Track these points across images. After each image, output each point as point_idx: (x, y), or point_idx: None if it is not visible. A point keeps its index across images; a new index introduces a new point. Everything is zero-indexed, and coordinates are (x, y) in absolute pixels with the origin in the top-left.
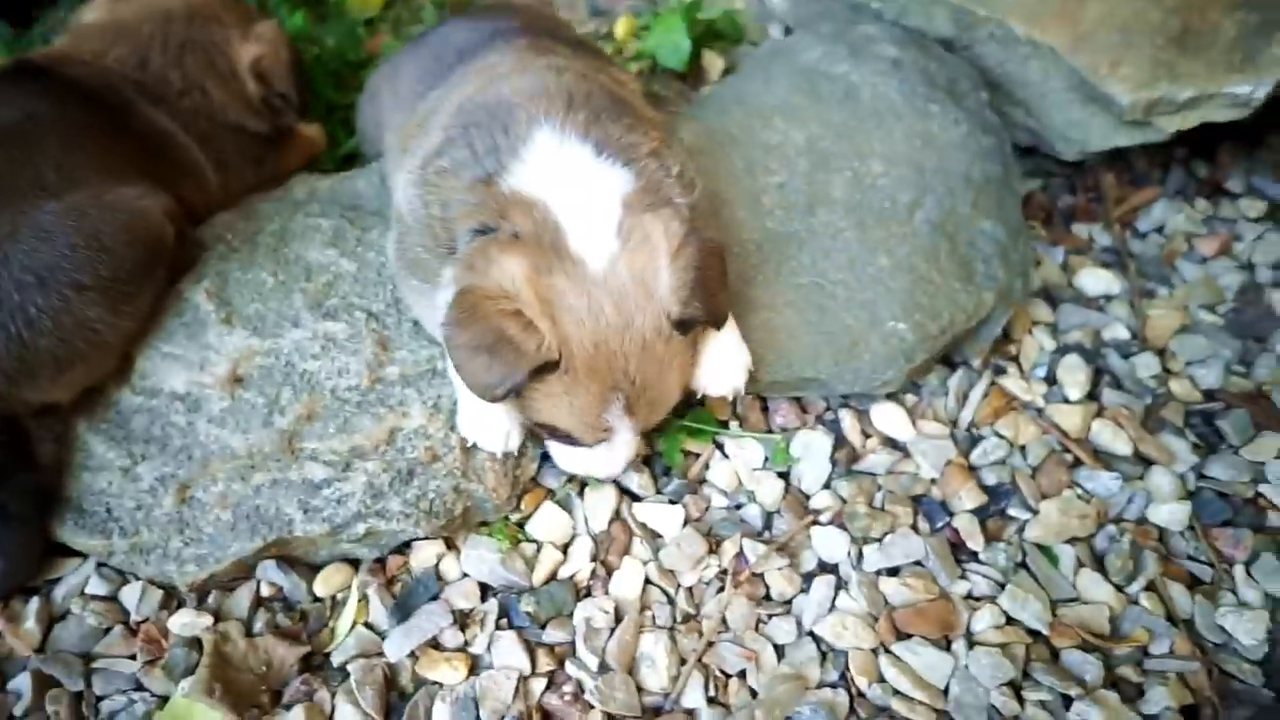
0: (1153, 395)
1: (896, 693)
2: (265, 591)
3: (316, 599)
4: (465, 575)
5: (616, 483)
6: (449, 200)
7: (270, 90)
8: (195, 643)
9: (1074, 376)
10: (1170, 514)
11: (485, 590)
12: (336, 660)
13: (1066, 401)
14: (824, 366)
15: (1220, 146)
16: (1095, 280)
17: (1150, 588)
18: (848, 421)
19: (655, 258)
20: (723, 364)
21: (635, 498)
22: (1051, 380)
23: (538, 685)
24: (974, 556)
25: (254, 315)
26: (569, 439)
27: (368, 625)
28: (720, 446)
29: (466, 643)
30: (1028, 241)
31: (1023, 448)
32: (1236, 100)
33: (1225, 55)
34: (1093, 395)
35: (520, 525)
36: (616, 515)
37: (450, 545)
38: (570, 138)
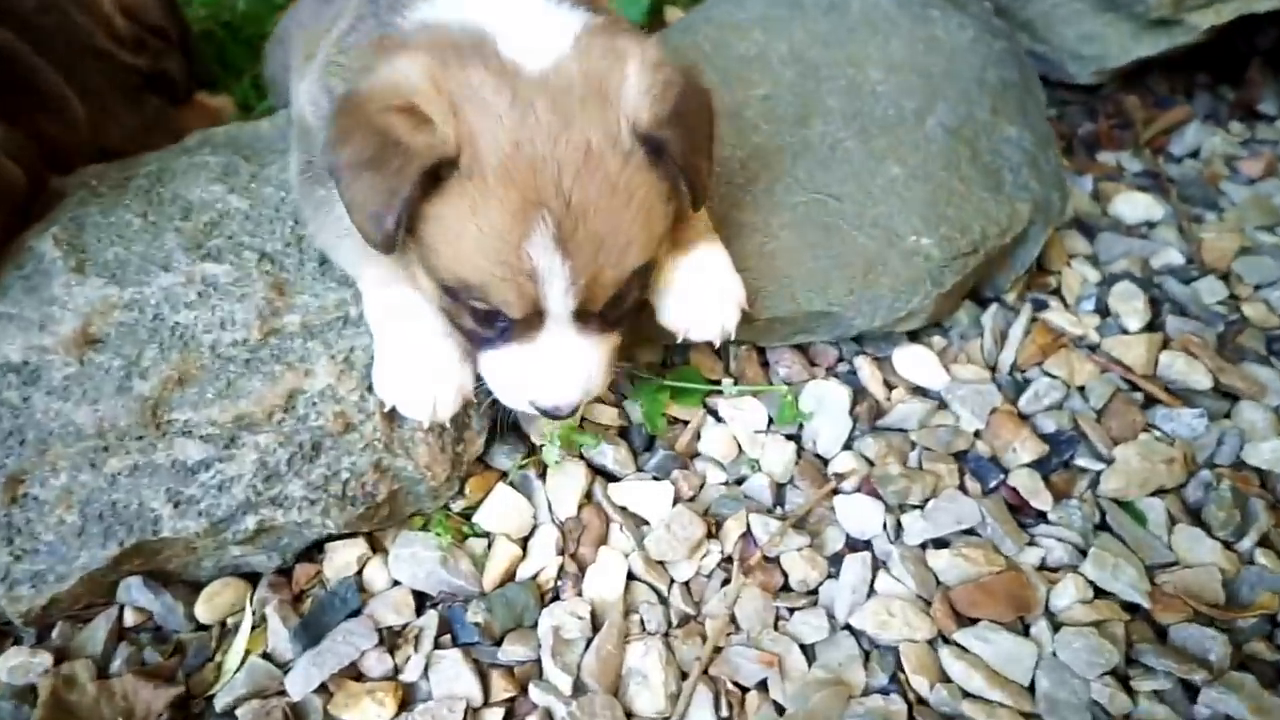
0: (1224, 322)
1: (966, 694)
2: (130, 619)
3: (199, 626)
4: (395, 583)
5: (587, 460)
6: (355, 70)
7: (141, 24)
8: (29, 693)
9: (1130, 305)
10: (1273, 453)
11: (421, 600)
12: (221, 703)
13: (1125, 333)
14: (836, 296)
15: (1249, 66)
16: (1133, 207)
17: (1265, 542)
18: (866, 369)
19: (621, 64)
20: (709, 298)
21: (611, 477)
22: (1104, 312)
23: (493, 718)
24: (1041, 518)
25: (113, 261)
26: (485, 314)
27: (265, 656)
28: (713, 411)
29: (397, 668)
30: (1058, 153)
31: (1081, 389)
32: None
33: None
34: (1153, 326)
35: (465, 516)
36: (588, 498)
37: (375, 546)
38: None
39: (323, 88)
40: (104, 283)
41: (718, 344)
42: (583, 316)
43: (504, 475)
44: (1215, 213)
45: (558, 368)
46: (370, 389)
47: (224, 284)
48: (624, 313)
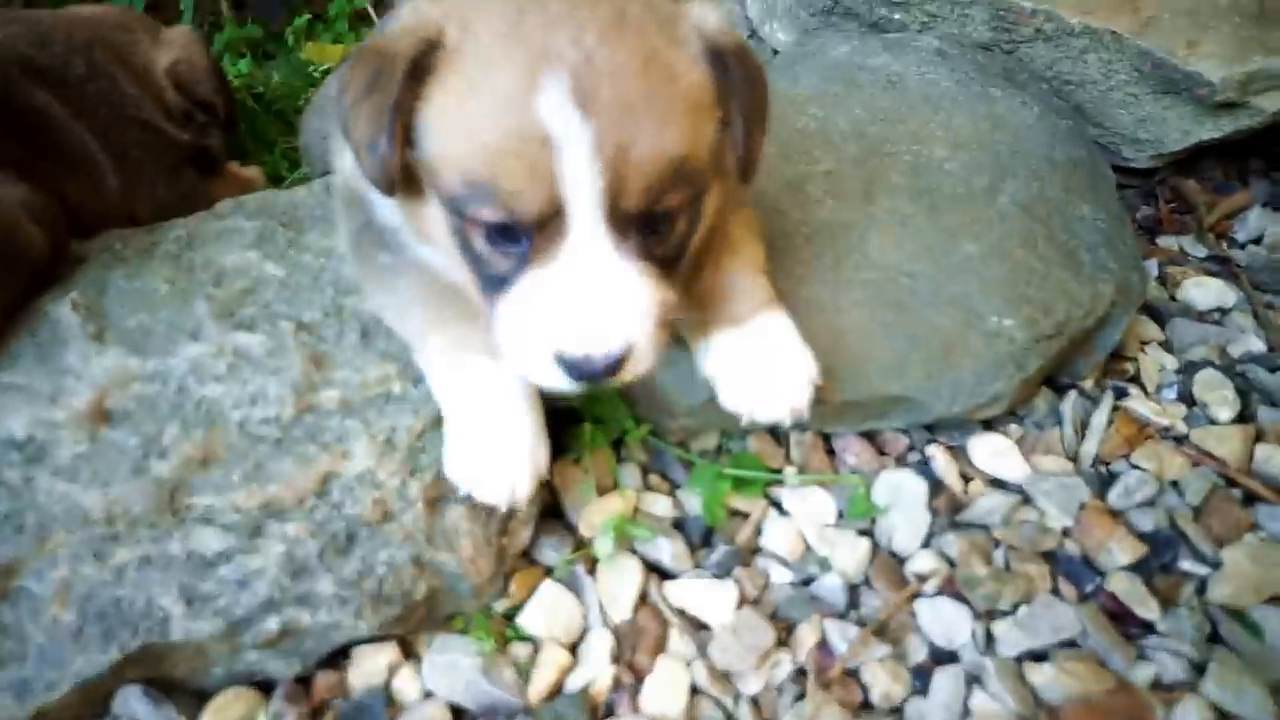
0: None
1: None
2: None
3: None
4: (429, 694)
5: (641, 556)
6: None
7: (191, 98)
8: None
9: (1219, 394)
10: None
11: (459, 715)
12: None
13: (1214, 424)
14: (913, 380)
15: None
16: (1204, 292)
17: None
18: (940, 459)
19: (673, 24)
20: (776, 375)
21: (667, 575)
22: (1189, 401)
23: None
24: (1148, 628)
25: (136, 329)
26: (500, 229)
27: None
28: (775, 502)
29: None
30: (1133, 233)
31: (1175, 483)
32: None
33: None
34: (1243, 416)
35: (508, 617)
36: (643, 598)
37: (407, 651)
38: None
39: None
40: (125, 352)
41: (788, 425)
42: (619, 223)
43: (550, 571)
44: None
45: (588, 292)
46: (413, 472)
47: (257, 355)
48: (672, 245)
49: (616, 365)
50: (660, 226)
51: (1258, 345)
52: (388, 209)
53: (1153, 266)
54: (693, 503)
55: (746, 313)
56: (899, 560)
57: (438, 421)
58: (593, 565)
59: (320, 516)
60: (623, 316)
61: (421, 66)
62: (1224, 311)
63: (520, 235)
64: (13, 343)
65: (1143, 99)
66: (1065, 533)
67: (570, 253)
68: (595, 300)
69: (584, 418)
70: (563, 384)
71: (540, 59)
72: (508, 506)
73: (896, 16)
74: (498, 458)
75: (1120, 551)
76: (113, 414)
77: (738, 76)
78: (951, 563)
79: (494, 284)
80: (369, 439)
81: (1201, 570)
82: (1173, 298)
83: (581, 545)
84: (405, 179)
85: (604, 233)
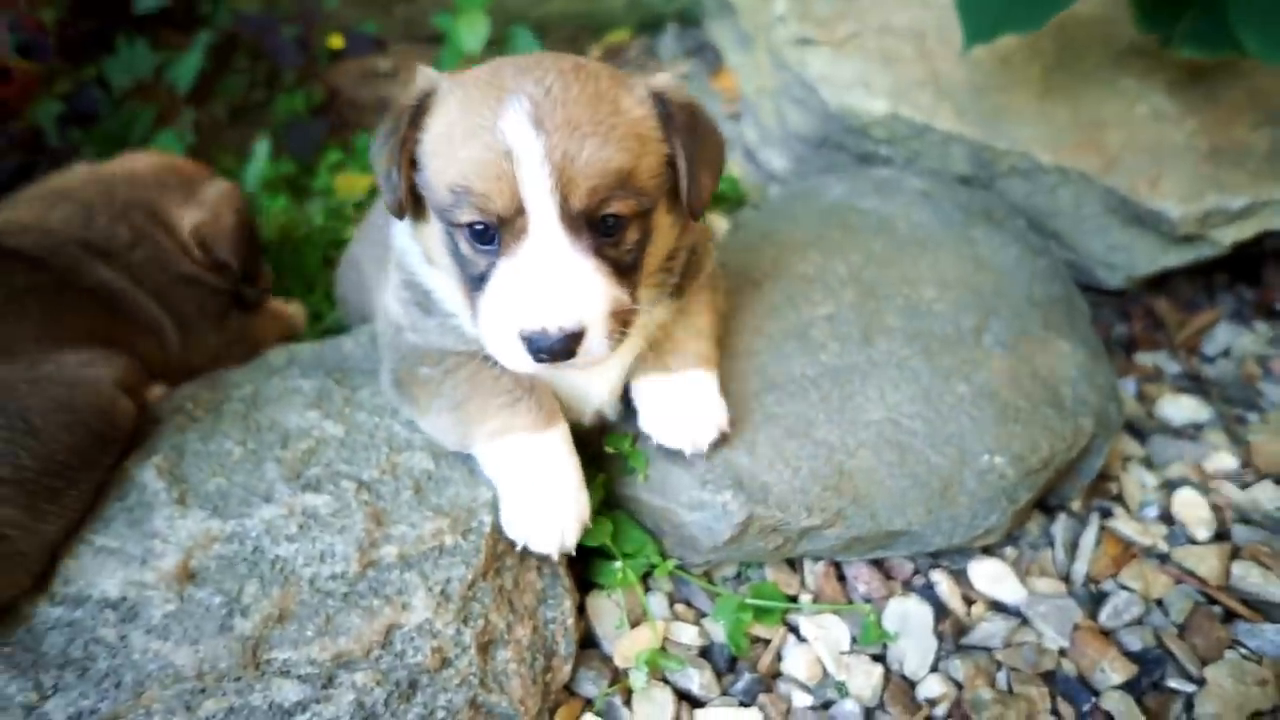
0: None
1: None
2: None
3: None
4: None
5: (673, 685)
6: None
7: (211, 258)
8: None
9: (1196, 514)
10: None
11: None
12: None
13: (1193, 543)
14: (915, 516)
15: (1263, 268)
16: (1179, 409)
17: None
18: (944, 585)
19: (625, 78)
20: (689, 415)
21: (697, 702)
22: (1168, 519)
23: None
24: None
25: (215, 492)
26: (480, 232)
27: None
28: (794, 628)
29: None
30: (1109, 364)
31: (1159, 602)
32: None
33: (1267, 165)
34: (1220, 534)
35: None
36: None
37: None
38: None
39: (401, 283)
40: (206, 515)
41: (687, 454)
42: (570, 221)
43: (590, 704)
44: (1257, 413)
45: (544, 277)
46: (466, 620)
47: (324, 515)
48: (624, 251)
49: (571, 341)
50: (612, 231)
51: (1230, 462)
52: (417, 260)
53: (1131, 384)
54: (717, 630)
55: (679, 365)
56: (910, 684)
57: (486, 571)
58: (628, 695)
59: (385, 665)
60: (574, 298)
61: (421, 110)
62: (1198, 427)
63: (493, 235)
64: (103, 506)
65: (1112, 229)
66: (1062, 653)
67: (530, 245)
68: (550, 283)
69: (615, 555)
70: (528, 364)
71: (509, 92)
72: (559, 553)
73: (883, 151)
74: (547, 513)
75: (1112, 671)
76: (197, 574)
77: (680, 120)
78: (959, 685)
79: (477, 283)
80: (425, 591)
81: (1188, 688)
82: (1150, 414)
83: (617, 676)
84: (415, 209)
85: (558, 229)
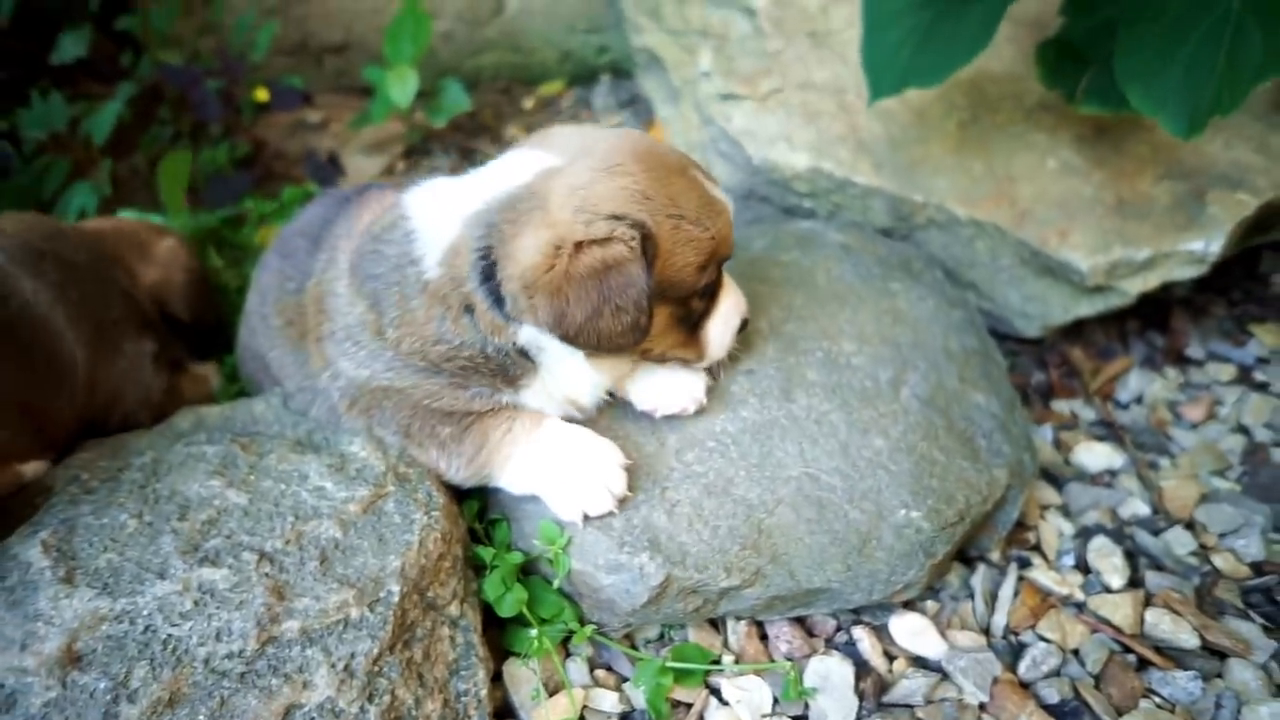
0: (1199, 574)
1: None
2: None
3: None
4: None
5: None
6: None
7: (164, 313)
8: None
9: (1109, 561)
10: (1271, 716)
11: None
12: None
13: (1109, 591)
14: (834, 573)
15: (1171, 315)
16: (1093, 456)
17: None
18: (865, 641)
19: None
20: (677, 386)
21: None
22: (1084, 568)
23: None
24: None
25: (105, 569)
26: (712, 280)
27: None
28: (715, 690)
29: None
30: (1023, 413)
31: (1076, 651)
32: (1193, 256)
33: (1169, 218)
34: (1134, 581)
35: None
36: None
37: None
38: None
39: (396, 358)
40: (95, 593)
41: (691, 411)
42: None
43: None
44: (1168, 458)
45: (737, 291)
46: (371, 698)
47: (221, 590)
48: None
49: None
50: None
51: (1143, 508)
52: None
53: (1048, 432)
54: (639, 696)
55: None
56: None
57: (394, 644)
58: None
59: None
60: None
61: (649, 254)
62: (1113, 474)
63: (714, 279)
64: None
65: (1027, 279)
66: (982, 707)
67: (726, 279)
68: (739, 294)
69: (531, 622)
70: (730, 342)
71: (683, 172)
72: (616, 507)
73: (806, 204)
74: (587, 478)
75: None
76: (82, 657)
77: None
78: None
79: (695, 324)
80: (329, 668)
81: None
82: (1067, 461)
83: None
84: None
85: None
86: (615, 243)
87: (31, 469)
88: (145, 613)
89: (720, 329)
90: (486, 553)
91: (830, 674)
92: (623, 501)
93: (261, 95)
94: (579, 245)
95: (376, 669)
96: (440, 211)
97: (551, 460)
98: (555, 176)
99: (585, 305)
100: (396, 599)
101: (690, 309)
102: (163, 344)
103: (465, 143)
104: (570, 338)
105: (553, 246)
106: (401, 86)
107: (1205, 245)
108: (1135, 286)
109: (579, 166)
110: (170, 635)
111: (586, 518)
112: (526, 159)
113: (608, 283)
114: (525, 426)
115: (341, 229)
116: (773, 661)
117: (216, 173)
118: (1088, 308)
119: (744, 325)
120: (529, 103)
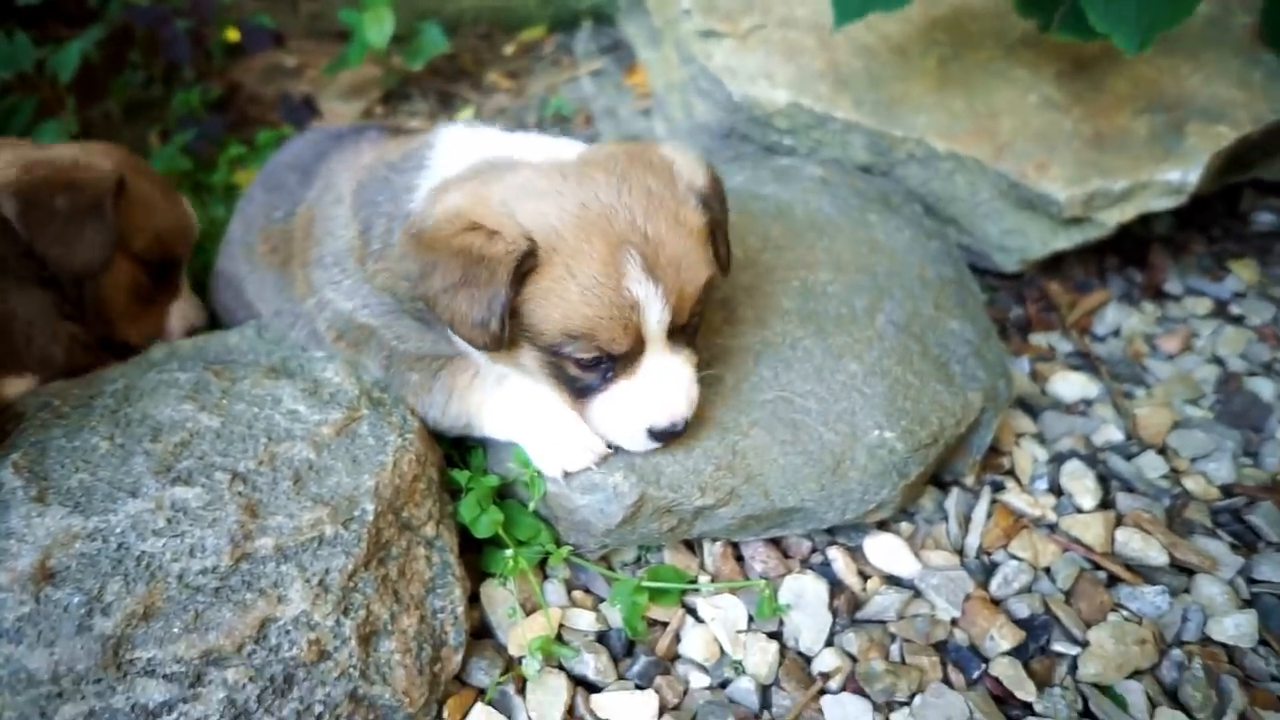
0: (1170, 497)
1: None
2: None
3: None
4: None
5: (568, 671)
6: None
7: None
8: None
9: (1082, 484)
10: (1236, 628)
11: None
12: None
13: (1080, 511)
14: (807, 492)
15: (1150, 252)
16: (1069, 386)
17: None
18: (840, 561)
19: (656, 147)
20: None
21: (593, 687)
22: (1057, 491)
23: None
24: (1028, 709)
25: (77, 488)
26: (589, 362)
27: None
28: (691, 610)
29: None
30: (998, 341)
31: (1047, 569)
32: (1170, 187)
33: (1147, 149)
34: (1105, 503)
35: None
36: (570, 712)
37: None
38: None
39: (372, 293)
40: (67, 512)
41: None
42: (672, 335)
43: (482, 693)
44: (1144, 388)
45: (666, 386)
46: (346, 611)
47: (194, 508)
48: (696, 329)
49: (686, 422)
50: (693, 318)
51: (1116, 435)
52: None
53: (1025, 364)
54: (615, 615)
55: None
56: (806, 659)
57: (369, 560)
58: (522, 684)
59: (259, 660)
60: (685, 392)
61: (522, 270)
62: (1088, 403)
63: (606, 360)
64: None
65: (1005, 213)
66: (954, 623)
67: (647, 366)
68: (670, 390)
69: (507, 544)
70: (647, 447)
71: (617, 246)
72: (597, 463)
73: (787, 141)
74: (567, 435)
75: (1001, 638)
76: (56, 573)
77: (716, 209)
78: (854, 659)
79: (582, 392)
80: (303, 583)
81: (1073, 650)
82: (1043, 392)
83: (511, 665)
84: None
85: (667, 347)
86: (500, 242)
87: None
88: (118, 530)
89: (613, 413)
90: (462, 476)
91: (804, 592)
92: (603, 458)
93: (233, 35)
94: (473, 225)
95: (351, 584)
96: (457, 152)
97: (530, 410)
98: (537, 172)
99: (448, 276)
100: (371, 517)
101: (562, 367)
102: None
103: (444, 87)
104: (429, 301)
105: (457, 212)
106: (378, 27)
107: (1183, 176)
108: (1113, 218)
109: (560, 178)
110: (144, 552)
111: (566, 474)
112: (569, 148)
113: (472, 270)
114: (495, 373)
115: (339, 162)
116: (748, 580)
117: (189, 116)
118: (1065, 240)
119: (666, 435)
120: (510, 48)
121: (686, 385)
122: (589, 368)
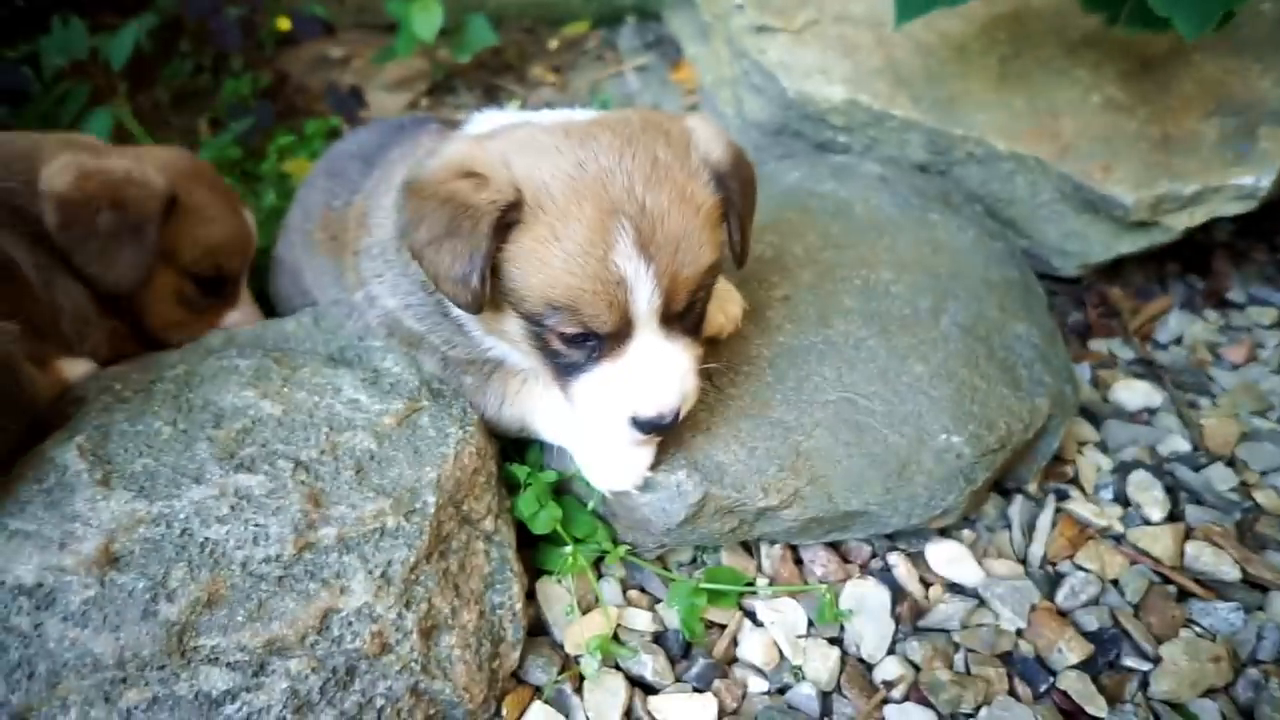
0: (1240, 509)
1: None
2: None
3: None
4: None
5: (625, 671)
6: None
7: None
8: None
9: (1150, 495)
10: None
11: None
12: None
13: (1148, 524)
14: (872, 495)
15: (1213, 258)
16: (1132, 394)
17: None
18: (901, 567)
19: (680, 119)
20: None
21: (650, 689)
22: (1123, 501)
23: None
24: None
25: (141, 473)
26: (574, 337)
27: None
28: (750, 613)
29: None
30: (1064, 346)
31: (1115, 582)
32: (1242, 191)
33: (1217, 153)
34: (1173, 515)
35: None
36: (628, 713)
37: None
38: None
39: (412, 290)
40: (131, 496)
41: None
42: (667, 320)
43: (539, 691)
44: (1209, 398)
45: (654, 373)
46: (408, 604)
47: (258, 496)
48: (698, 317)
49: (676, 416)
50: (694, 306)
51: (1183, 445)
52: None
53: (1086, 370)
54: (672, 616)
55: None
56: (868, 667)
57: (430, 553)
58: (579, 683)
59: (321, 652)
60: (677, 383)
61: (505, 222)
62: (1151, 412)
63: (591, 340)
64: (20, 489)
65: (1067, 215)
66: (1019, 634)
67: (635, 348)
68: (659, 377)
69: (565, 541)
70: (634, 439)
71: (608, 214)
72: (644, 479)
73: (841, 139)
74: (618, 452)
75: (1069, 651)
76: (120, 558)
77: (735, 190)
78: (916, 668)
79: (567, 370)
80: (366, 574)
81: (1144, 666)
82: (1105, 399)
83: (568, 664)
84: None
85: (659, 330)
86: (485, 189)
87: (82, 366)
88: (182, 516)
89: (595, 395)
90: (521, 471)
91: (866, 598)
92: (651, 475)
93: (284, 24)
94: (466, 172)
95: (414, 577)
96: (484, 126)
97: (581, 420)
98: (543, 130)
99: (434, 227)
100: (432, 510)
101: (546, 340)
102: None
103: (490, 80)
104: (418, 257)
105: (453, 160)
106: (426, 19)
107: (1256, 180)
108: (1181, 222)
109: (563, 135)
110: (207, 538)
111: (613, 492)
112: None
113: (456, 220)
114: (544, 378)
115: (397, 153)
116: (808, 584)
117: (237, 104)
118: (1129, 244)
119: (670, 426)
120: (554, 43)
121: (679, 375)
122: (574, 344)
